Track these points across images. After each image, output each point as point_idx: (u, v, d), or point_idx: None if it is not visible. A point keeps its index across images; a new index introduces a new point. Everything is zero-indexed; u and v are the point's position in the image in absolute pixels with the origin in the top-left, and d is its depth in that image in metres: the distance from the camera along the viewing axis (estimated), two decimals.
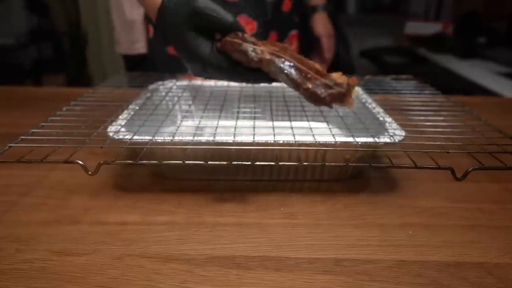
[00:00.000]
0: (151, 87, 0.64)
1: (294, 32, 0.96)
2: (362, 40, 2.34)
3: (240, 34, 0.50)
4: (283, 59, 0.48)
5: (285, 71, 0.47)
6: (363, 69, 2.11)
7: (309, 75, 0.48)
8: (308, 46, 1.02)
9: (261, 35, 0.85)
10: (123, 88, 0.65)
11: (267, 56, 0.47)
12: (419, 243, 0.38)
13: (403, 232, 0.40)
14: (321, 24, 0.97)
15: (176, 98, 0.64)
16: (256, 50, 0.47)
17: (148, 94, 0.60)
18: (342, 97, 0.53)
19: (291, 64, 0.48)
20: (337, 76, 0.55)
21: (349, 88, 0.53)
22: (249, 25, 0.84)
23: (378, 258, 0.36)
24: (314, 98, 0.49)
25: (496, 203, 0.45)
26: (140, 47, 1.00)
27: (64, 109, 0.53)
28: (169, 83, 0.66)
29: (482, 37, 2.08)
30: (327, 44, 0.98)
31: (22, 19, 2.29)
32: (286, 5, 0.91)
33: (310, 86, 0.48)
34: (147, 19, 0.91)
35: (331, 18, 1.00)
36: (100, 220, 0.41)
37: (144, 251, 0.36)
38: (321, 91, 0.49)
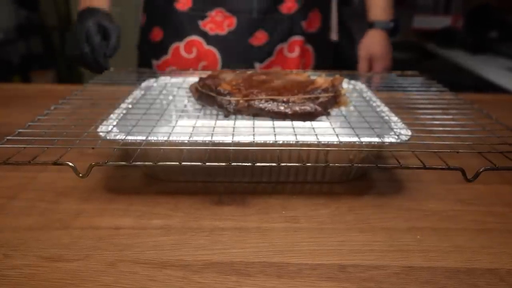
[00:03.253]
0: (145, 84, 0.64)
1: (298, 38, 0.91)
2: None
3: (213, 86, 0.54)
4: (259, 100, 0.51)
5: (266, 109, 0.51)
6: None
7: (291, 99, 0.51)
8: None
9: (245, 34, 0.86)
10: (115, 85, 0.65)
11: (244, 105, 0.51)
12: (427, 248, 0.38)
13: (410, 236, 0.40)
14: (367, 44, 0.94)
15: (171, 96, 0.64)
16: (231, 103, 0.51)
17: (142, 92, 0.60)
18: (334, 100, 0.54)
19: (269, 100, 0.51)
20: (321, 81, 0.57)
21: (336, 88, 0.54)
22: (227, 19, 0.84)
23: (385, 264, 0.36)
24: (307, 116, 0.52)
25: (508, 206, 0.45)
26: None
27: (52, 107, 0.53)
28: (163, 81, 0.67)
29: (494, 32, 2.08)
30: (375, 67, 0.94)
31: (10, 13, 2.29)
32: (288, 8, 0.89)
33: (297, 108, 0.50)
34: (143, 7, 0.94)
35: None
36: (92, 224, 0.41)
37: (138, 256, 0.36)
38: (310, 106, 0.51)
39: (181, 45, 0.86)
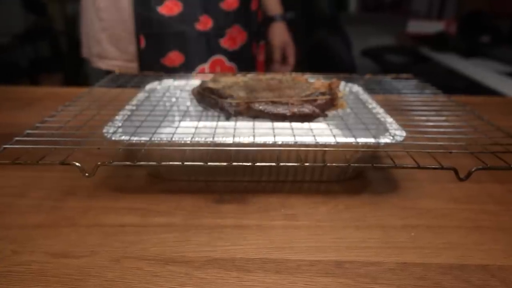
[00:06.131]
0: (148, 87, 0.64)
1: (262, 42, 0.98)
2: (364, 39, 2.34)
3: (214, 89, 0.54)
4: (259, 102, 0.51)
5: (266, 111, 0.51)
6: (365, 68, 2.11)
7: (290, 101, 0.51)
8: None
9: (247, 46, 0.87)
10: (120, 88, 0.65)
11: (244, 107, 0.51)
12: (421, 245, 0.38)
13: (405, 233, 0.40)
14: (277, 34, 0.99)
15: (174, 99, 0.64)
16: (232, 105, 0.51)
17: (146, 94, 0.60)
18: (332, 103, 0.54)
19: (268, 102, 0.51)
20: (318, 84, 0.57)
21: (334, 91, 0.54)
22: (241, 35, 0.85)
23: (380, 260, 0.36)
24: (306, 117, 0.52)
25: (500, 204, 0.45)
26: (134, 67, 0.87)
27: (59, 109, 0.53)
28: (167, 83, 0.67)
29: (486, 36, 2.08)
30: (287, 54, 1.00)
31: (18, 18, 2.29)
32: (260, 16, 0.93)
33: (295, 110, 0.51)
34: (138, 28, 0.83)
35: (291, 27, 1.01)
36: (97, 222, 0.41)
37: (143, 253, 0.36)
38: (309, 108, 0.51)
39: (206, 66, 0.83)
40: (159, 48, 0.83)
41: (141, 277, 0.33)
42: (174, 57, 0.82)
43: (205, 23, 0.81)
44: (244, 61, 0.87)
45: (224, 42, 0.83)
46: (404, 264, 0.35)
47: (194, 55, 0.82)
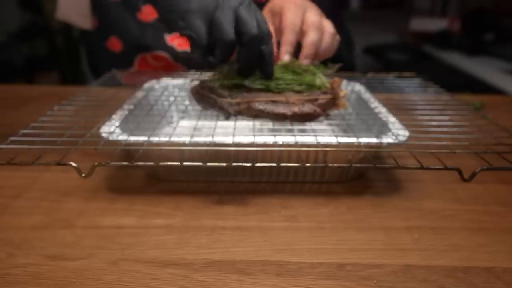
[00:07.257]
0: (146, 86, 0.64)
1: None
2: (366, 36, 2.34)
3: (214, 88, 0.53)
4: (259, 102, 0.51)
5: (266, 111, 0.50)
6: (367, 66, 2.11)
7: (290, 101, 0.51)
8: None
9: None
10: (117, 87, 0.65)
11: (244, 106, 0.51)
12: (424, 247, 0.38)
13: (408, 235, 0.40)
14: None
15: (172, 98, 0.64)
16: (232, 104, 0.51)
17: (143, 93, 0.60)
18: (333, 102, 0.54)
19: (268, 102, 0.51)
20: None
21: (336, 90, 0.54)
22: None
23: (383, 262, 0.36)
24: (307, 117, 0.51)
25: (504, 205, 0.45)
26: (87, 22, 0.84)
27: (55, 108, 0.53)
28: (165, 82, 0.66)
29: (490, 34, 2.08)
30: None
31: (14, 16, 2.29)
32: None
33: (296, 109, 0.50)
34: (92, 7, 0.81)
35: None
36: (95, 223, 0.41)
37: (141, 255, 0.36)
38: (310, 108, 0.51)
39: (147, 55, 0.78)
40: (103, 31, 0.80)
41: (139, 280, 0.33)
42: (114, 43, 0.80)
43: (147, 14, 0.77)
44: (195, 65, 0.78)
45: (170, 39, 0.77)
46: (407, 266, 0.35)
47: (133, 46, 0.78)
